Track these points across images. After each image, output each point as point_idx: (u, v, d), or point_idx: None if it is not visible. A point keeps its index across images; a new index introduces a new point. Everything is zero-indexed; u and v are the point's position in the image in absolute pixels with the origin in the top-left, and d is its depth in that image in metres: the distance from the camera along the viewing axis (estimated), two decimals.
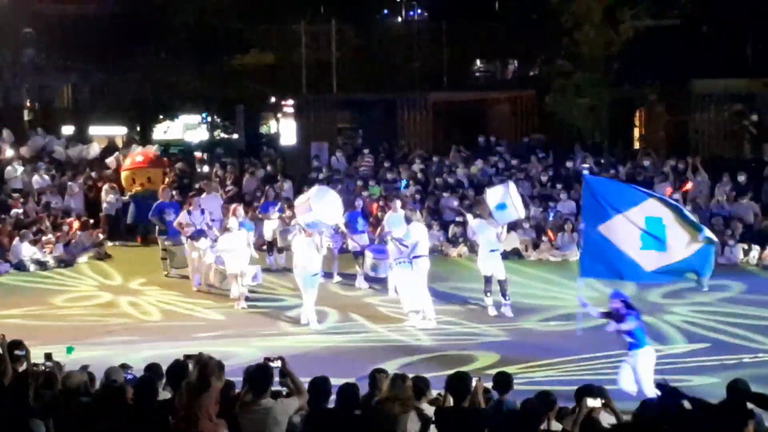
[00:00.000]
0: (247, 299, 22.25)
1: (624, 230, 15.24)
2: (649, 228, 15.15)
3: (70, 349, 12.61)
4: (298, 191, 31.67)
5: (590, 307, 15.92)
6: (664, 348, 18.55)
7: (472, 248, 27.33)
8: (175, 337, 19.54)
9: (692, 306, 22.08)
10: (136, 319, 21.67)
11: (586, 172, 17.97)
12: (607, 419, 9.70)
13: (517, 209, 20.94)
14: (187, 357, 10.98)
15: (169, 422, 10.33)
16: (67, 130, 43.62)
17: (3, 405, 10.62)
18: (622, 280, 16.08)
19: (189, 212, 24.71)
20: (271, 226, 26.80)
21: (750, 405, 9.57)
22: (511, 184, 21.95)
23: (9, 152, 35.14)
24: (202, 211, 24.82)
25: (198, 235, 23.71)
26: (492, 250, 21.33)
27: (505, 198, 20.79)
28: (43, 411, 10.39)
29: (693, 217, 16.14)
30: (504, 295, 21.38)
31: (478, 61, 46.01)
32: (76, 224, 29.21)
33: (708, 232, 15.48)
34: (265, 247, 26.79)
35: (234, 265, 22.19)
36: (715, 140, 34.57)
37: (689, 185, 29.35)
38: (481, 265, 21.63)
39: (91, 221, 30.18)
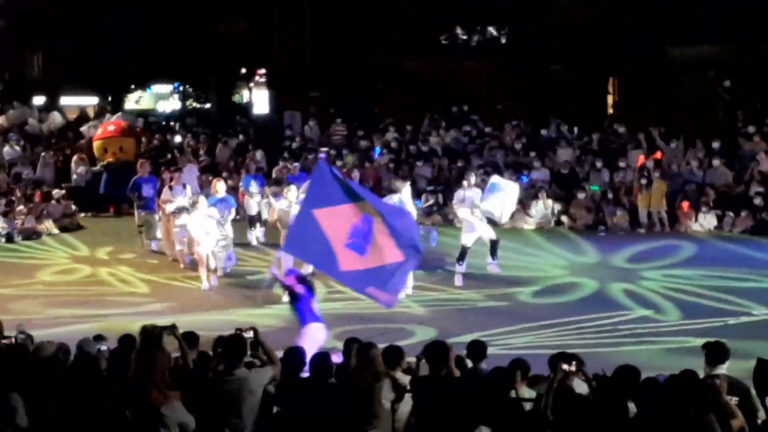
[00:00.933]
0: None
1: (339, 221, 15.02)
2: (362, 227, 15.02)
3: None
4: (271, 161, 31.65)
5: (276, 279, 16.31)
6: (658, 315, 18.70)
7: (446, 218, 27.32)
8: (150, 309, 19.47)
9: (660, 270, 22.27)
10: (112, 291, 21.51)
11: (322, 156, 17.97)
12: (580, 387, 9.69)
13: (500, 206, 21.01)
14: (161, 328, 10.91)
15: (144, 393, 10.27)
16: (38, 100, 43.32)
17: None
18: (316, 268, 15.94)
19: (171, 188, 23.86)
20: (254, 200, 26.35)
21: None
22: (515, 187, 22.15)
23: None
24: (184, 186, 23.96)
25: (179, 211, 22.81)
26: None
27: (499, 189, 20.88)
28: (16, 384, 10.32)
29: (407, 227, 15.79)
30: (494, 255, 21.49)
31: (455, 29, 45.80)
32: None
33: (416, 242, 15.48)
34: (239, 218, 26.25)
35: (205, 246, 21.13)
36: (688, 107, 34.55)
37: (659, 154, 29.40)
38: (468, 236, 21.42)
39: (63, 192, 29.93)
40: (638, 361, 10.79)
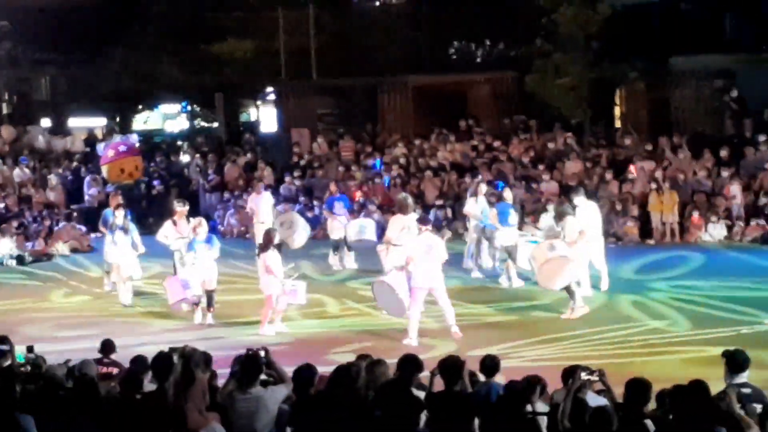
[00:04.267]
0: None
1: None
2: None
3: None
4: (279, 179, 31.74)
5: None
6: (665, 325, 18.59)
7: (456, 232, 27.24)
8: (157, 329, 19.53)
9: (669, 281, 22.12)
10: (122, 312, 21.45)
11: None
12: (593, 400, 9.64)
13: None
14: (172, 349, 10.91)
15: (155, 415, 10.25)
16: (45, 122, 43.48)
17: None
18: None
19: (174, 222, 21.48)
20: (338, 223, 24.84)
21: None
22: None
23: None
24: (188, 220, 21.39)
25: (190, 248, 20.05)
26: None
27: None
28: (28, 406, 10.32)
29: None
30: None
31: (457, 44, 45.86)
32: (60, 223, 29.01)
33: None
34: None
35: (275, 286, 18.74)
36: (696, 117, 34.54)
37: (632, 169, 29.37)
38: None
39: (74, 214, 30.02)
40: (652, 372, 10.71)
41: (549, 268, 19.13)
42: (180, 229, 21.30)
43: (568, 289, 19.18)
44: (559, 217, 20.23)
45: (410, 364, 10.56)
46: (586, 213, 20.78)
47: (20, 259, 26.82)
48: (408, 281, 17.94)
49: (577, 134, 33.34)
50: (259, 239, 23.03)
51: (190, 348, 10.62)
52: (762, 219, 26.82)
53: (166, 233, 21.41)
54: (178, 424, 10.10)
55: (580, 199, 21.26)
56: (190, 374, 10.22)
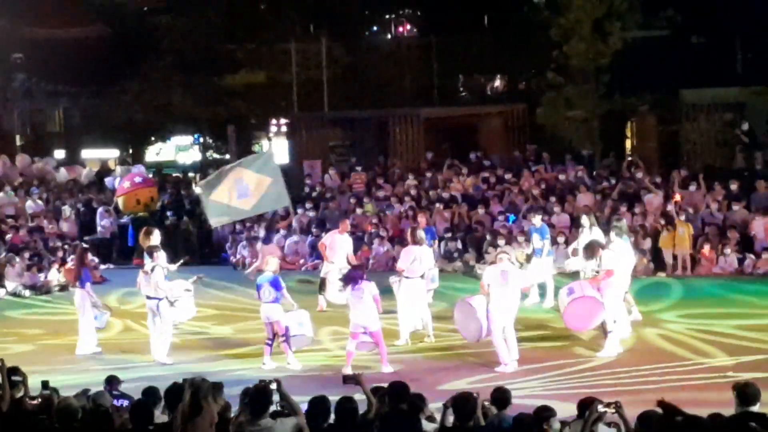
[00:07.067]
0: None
1: None
2: None
3: None
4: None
5: None
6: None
7: (467, 264, 27.19)
8: (175, 359, 19.50)
9: (691, 320, 21.77)
10: (135, 340, 21.50)
11: None
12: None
13: None
14: (186, 381, 10.95)
15: None
16: (59, 154, 43.68)
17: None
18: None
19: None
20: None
21: None
22: None
23: None
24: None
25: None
26: None
27: None
28: None
29: None
30: None
31: (468, 76, 46.02)
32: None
33: None
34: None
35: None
36: (706, 150, 34.62)
37: (677, 197, 29.19)
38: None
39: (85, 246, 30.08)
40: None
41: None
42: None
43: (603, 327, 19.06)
44: (591, 253, 19.43)
45: (417, 396, 10.61)
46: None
47: (37, 290, 26.94)
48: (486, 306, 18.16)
49: (589, 166, 33.37)
50: (334, 278, 22.74)
51: (199, 378, 10.65)
52: None
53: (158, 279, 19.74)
54: None
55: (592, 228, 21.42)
56: (198, 405, 10.24)
